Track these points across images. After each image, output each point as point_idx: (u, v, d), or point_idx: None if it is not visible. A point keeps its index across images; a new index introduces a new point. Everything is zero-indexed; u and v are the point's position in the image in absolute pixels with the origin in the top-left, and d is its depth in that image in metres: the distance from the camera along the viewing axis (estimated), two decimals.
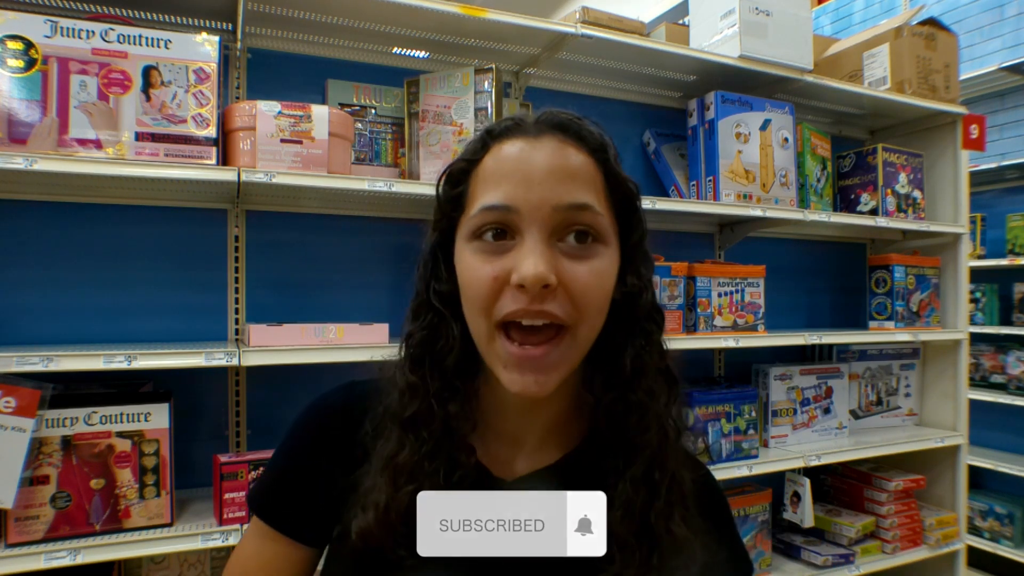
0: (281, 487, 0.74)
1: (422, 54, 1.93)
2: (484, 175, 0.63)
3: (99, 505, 1.37)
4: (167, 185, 1.55)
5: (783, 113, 2.13)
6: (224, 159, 1.48)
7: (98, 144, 1.33)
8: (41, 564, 1.29)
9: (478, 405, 0.69)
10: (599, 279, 0.61)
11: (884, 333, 2.31)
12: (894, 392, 2.55)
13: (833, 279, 2.69)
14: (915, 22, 2.38)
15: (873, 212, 2.35)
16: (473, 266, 0.61)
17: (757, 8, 2.00)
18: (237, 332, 1.74)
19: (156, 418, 1.43)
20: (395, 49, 1.89)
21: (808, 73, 2.11)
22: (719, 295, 2.04)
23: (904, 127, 2.59)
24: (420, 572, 0.62)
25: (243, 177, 1.40)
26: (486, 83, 1.76)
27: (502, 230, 0.60)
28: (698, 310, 2.01)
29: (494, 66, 1.75)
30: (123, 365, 1.34)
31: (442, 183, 0.68)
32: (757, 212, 2.02)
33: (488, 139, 0.65)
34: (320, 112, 1.48)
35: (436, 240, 0.68)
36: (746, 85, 2.14)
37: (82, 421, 1.36)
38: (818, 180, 2.32)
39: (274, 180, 1.43)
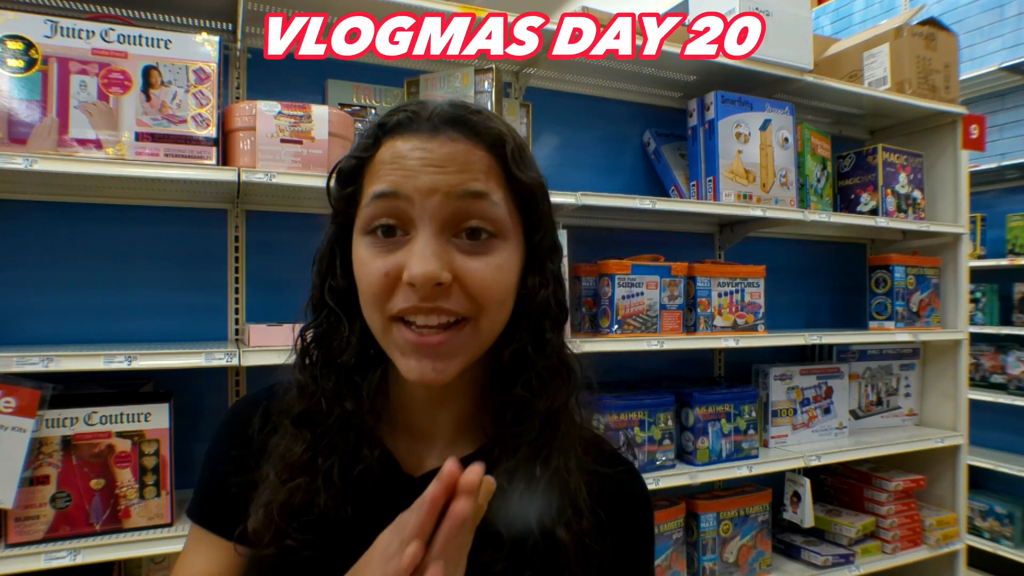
0: (206, 487, 0.75)
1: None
2: (376, 168, 0.61)
3: (99, 505, 1.37)
4: (167, 185, 1.55)
5: (783, 113, 2.13)
6: (224, 159, 1.48)
7: (98, 144, 1.33)
8: (41, 564, 1.29)
9: (387, 400, 0.69)
10: (498, 273, 0.60)
11: (884, 333, 2.31)
12: (894, 392, 2.55)
13: (833, 279, 2.69)
14: (915, 22, 2.38)
15: (873, 212, 2.35)
16: (365, 261, 0.59)
17: (757, 8, 2.00)
18: (237, 332, 1.74)
19: (156, 418, 1.43)
20: None
21: (808, 73, 2.11)
22: (719, 295, 2.04)
23: (904, 127, 2.59)
24: (313, 566, 0.64)
25: (243, 177, 1.40)
26: (486, 83, 1.76)
27: (393, 226, 0.59)
28: (698, 310, 2.01)
29: (494, 66, 1.74)
30: (123, 365, 1.33)
31: (333, 180, 0.66)
32: (757, 212, 2.02)
33: (380, 134, 0.62)
34: (320, 112, 1.48)
35: (333, 235, 0.66)
36: (746, 85, 2.14)
37: (82, 421, 1.36)
38: (818, 180, 2.32)
39: (274, 180, 1.43)
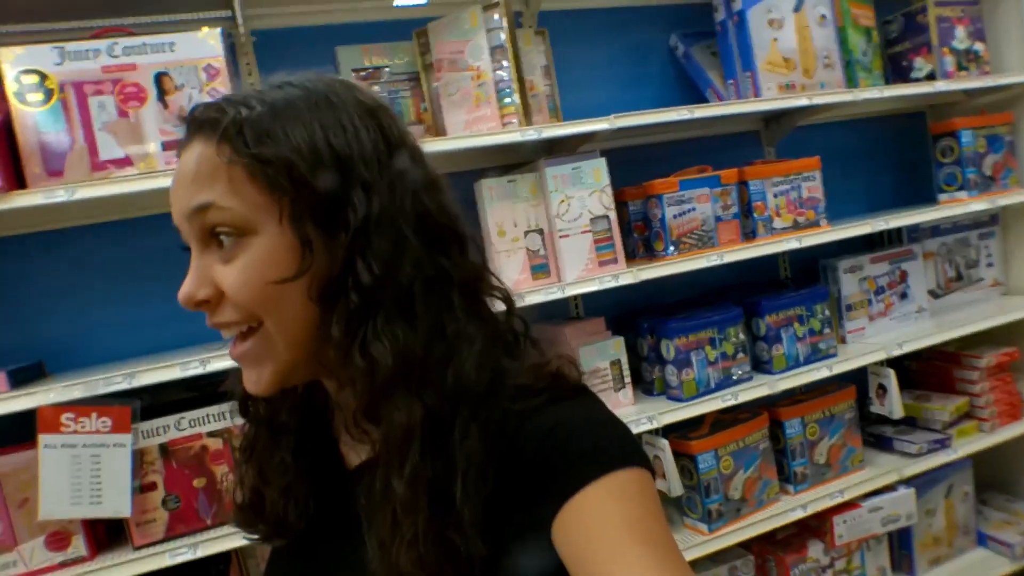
0: None
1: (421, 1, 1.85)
2: None
3: (205, 501, 1.45)
4: None
5: None
6: None
7: (128, 162, 1.34)
8: (167, 561, 1.38)
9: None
10: (246, 274, 0.56)
11: (957, 206, 2.16)
12: (975, 264, 2.42)
13: (890, 156, 2.53)
14: None
15: (930, 77, 2.17)
16: None
17: None
18: None
19: None
20: (395, 1, 1.81)
21: None
22: (774, 195, 1.94)
23: None
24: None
25: None
26: (495, 16, 1.68)
27: (188, 248, 0.60)
28: (755, 215, 1.92)
29: None
30: (199, 371, 1.38)
31: None
32: (803, 102, 1.90)
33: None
34: None
35: None
36: None
37: (173, 428, 1.43)
38: (864, 54, 2.15)
39: None
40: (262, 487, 0.68)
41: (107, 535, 1.47)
